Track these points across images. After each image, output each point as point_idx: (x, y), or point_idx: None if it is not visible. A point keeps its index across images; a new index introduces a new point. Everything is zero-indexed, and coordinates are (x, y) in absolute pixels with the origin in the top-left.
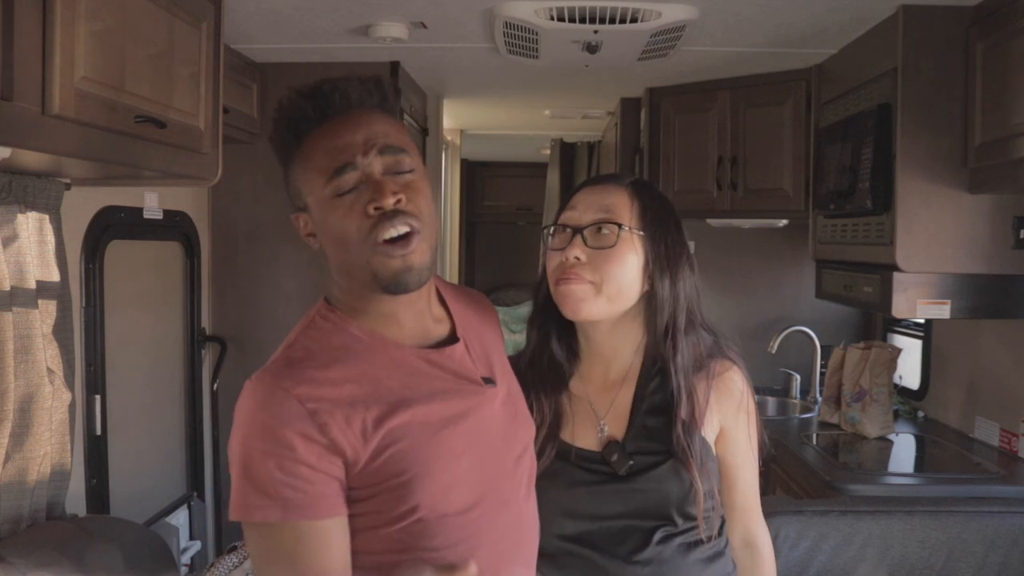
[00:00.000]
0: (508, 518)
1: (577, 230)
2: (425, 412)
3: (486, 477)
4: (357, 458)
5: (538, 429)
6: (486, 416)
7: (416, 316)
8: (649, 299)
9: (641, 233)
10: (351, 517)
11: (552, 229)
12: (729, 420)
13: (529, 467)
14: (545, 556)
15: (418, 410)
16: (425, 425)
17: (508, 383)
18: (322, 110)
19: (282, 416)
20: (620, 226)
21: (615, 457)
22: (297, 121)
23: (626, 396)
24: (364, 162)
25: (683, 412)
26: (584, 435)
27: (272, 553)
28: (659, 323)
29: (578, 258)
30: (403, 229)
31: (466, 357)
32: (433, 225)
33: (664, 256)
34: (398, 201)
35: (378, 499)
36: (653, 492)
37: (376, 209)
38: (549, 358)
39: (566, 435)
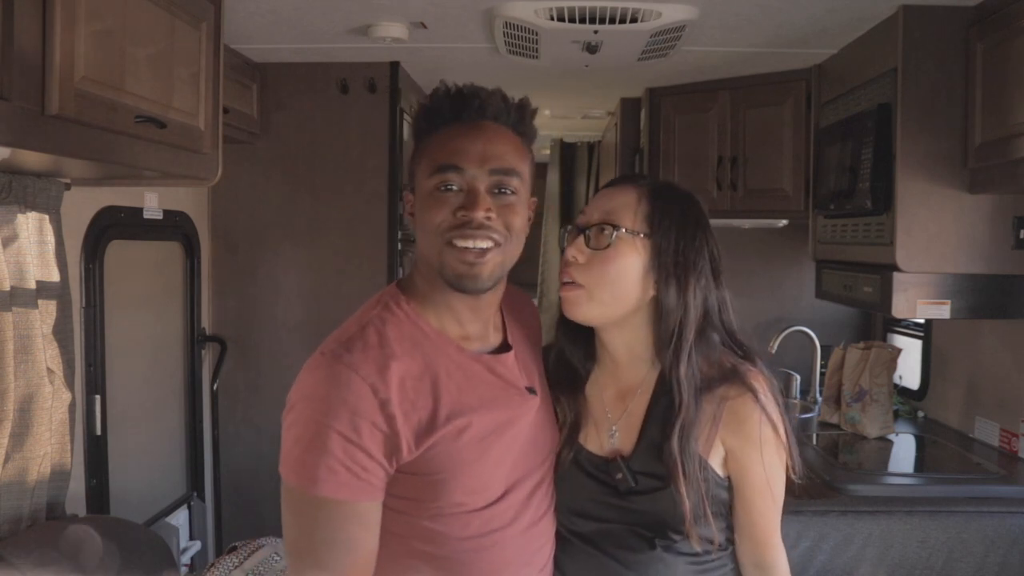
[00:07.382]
0: (527, 514)
1: (581, 230)
2: (477, 420)
3: (516, 477)
4: (409, 452)
5: (561, 429)
6: (526, 424)
7: (480, 321)
8: (656, 305)
9: (644, 236)
10: (391, 498)
11: (568, 229)
12: (737, 449)
13: (550, 468)
14: (558, 540)
15: (471, 418)
16: (475, 433)
17: (544, 390)
18: (458, 111)
19: (354, 400)
20: (616, 227)
21: (619, 475)
22: (434, 113)
23: (639, 407)
24: (472, 172)
25: (679, 427)
26: (594, 438)
27: (307, 520)
28: (663, 331)
29: (575, 258)
30: (484, 244)
31: (515, 366)
32: (518, 242)
33: (671, 261)
34: (488, 217)
35: (416, 487)
36: (649, 514)
37: (463, 215)
38: (567, 358)
39: (580, 437)
